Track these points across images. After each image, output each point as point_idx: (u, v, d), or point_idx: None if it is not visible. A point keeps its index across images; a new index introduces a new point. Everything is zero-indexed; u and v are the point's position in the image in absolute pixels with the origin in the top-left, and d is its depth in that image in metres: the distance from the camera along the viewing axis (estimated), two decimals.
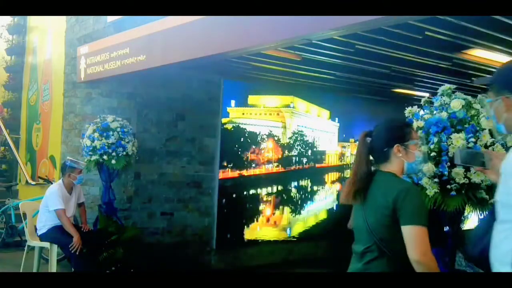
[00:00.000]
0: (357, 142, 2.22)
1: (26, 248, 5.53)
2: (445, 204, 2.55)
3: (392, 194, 2.04)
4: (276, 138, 7.79)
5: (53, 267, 5.15)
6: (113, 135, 5.42)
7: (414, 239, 1.97)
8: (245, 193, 7.55)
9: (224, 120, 7.23)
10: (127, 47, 5.29)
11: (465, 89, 5.94)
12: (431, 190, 2.58)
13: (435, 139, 2.60)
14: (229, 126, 7.32)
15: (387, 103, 8.50)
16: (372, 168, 2.22)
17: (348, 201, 2.20)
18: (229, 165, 7.26)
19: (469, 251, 2.05)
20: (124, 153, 5.47)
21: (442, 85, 2.84)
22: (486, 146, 2.56)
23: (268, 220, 7.74)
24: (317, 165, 8.29)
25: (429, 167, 2.57)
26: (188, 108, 6.83)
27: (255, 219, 7.55)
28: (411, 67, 5.78)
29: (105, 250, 5.23)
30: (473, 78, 6.28)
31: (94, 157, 5.44)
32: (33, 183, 7.65)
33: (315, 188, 8.56)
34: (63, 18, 7.01)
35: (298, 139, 8.13)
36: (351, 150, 9.00)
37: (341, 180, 9.00)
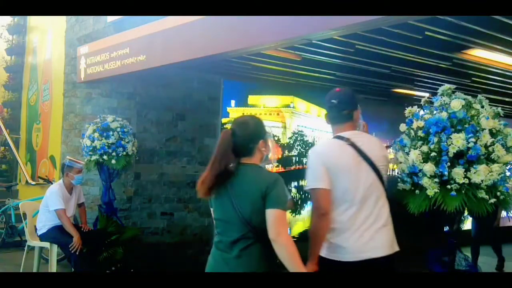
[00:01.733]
0: (219, 140, 2.38)
1: (26, 248, 5.53)
2: (445, 204, 2.55)
3: (264, 183, 2.24)
4: (276, 138, 7.79)
5: (53, 267, 5.15)
6: (113, 135, 5.42)
7: (274, 221, 2.19)
8: None
9: (224, 120, 7.23)
10: (127, 47, 5.29)
11: (465, 89, 5.95)
12: (431, 190, 2.58)
13: (435, 139, 2.60)
14: (229, 126, 7.31)
15: (387, 103, 8.50)
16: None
17: (206, 196, 2.32)
18: None
19: None
20: (124, 153, 5.47)
21: (442, 85, 2.84)
22: (486, 146, 2.57)
23: None
24: None
25: (429, 167, 2.57)
26: (188, 108, 6.83)
27: None
28: (411, 67, 5.78)
29: (105, 250, 5.23)
30: (473, 78, 6.28)
31: (94, 157, 5.45)
32: (33, 183, 7.66)
33: None
34: (63, 18, 7.01)
35: (298, 139, 8.13)
36: None
37: None
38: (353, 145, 2.54)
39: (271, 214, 2.20)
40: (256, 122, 2.45)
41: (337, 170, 2.49)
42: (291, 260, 2.16)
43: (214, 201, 2.39)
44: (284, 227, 2.23)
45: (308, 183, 2.54)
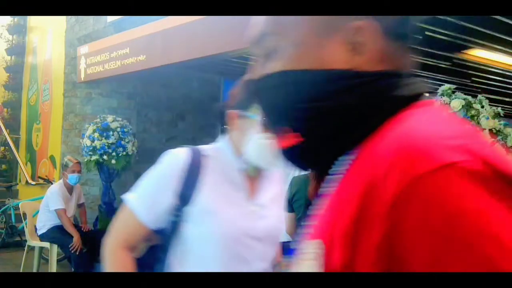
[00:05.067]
0: None
1: (26, 248, 5.53)
2: None
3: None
4: None
5: (53, 267, 5.15)
6: (113, 135, 5.42)
7: None
8: None
9: None
10: (127, 47, 5.29)
11: (465, 89, 5.94)
12: None
13: None
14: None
15: None
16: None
17: None
18: None
19: None
20: (124, 153, 5.48)
21: (442, 85, 2.84)
22: None
23: None
24: None
25: None
26: (188, 108, 6.83)
27: None
28: (411, 67, 5.78)
29: None
30: (473, 78, 6.28)
31: (94, 157, 5.45)
32: (33, 183, 7.65)
33: None
34: (63, 18, 7.01)
35: None
36: None
37: None
38: None
39: None
40: None
41: None
42: None
43: (301, 208, 2.41)
44: None
45: None
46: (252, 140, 1.34)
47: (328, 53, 0.61)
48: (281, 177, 1.60)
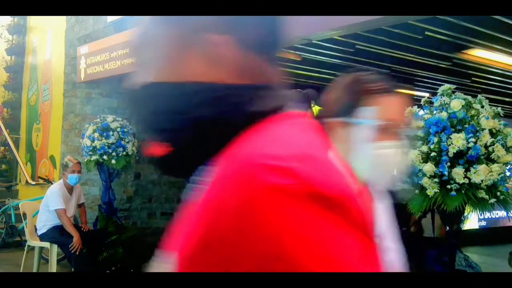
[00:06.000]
0: None
1: (26, 248, 5.53)
2: (445, 204, 2.55)
3: None
4: None
5: (53, 267, 5.15)
6: (113, 135, 5.42)
7: None
8: None
9: None
10: (127, 47, 5.29)
11: (465, 89, 5.95)
12: (431, 190, 2.59)
13: (435, 139, 2.61)
14: None
15: None
16: None
17: None
18: None
19: None
20: (124, 153, 5.48)
21: (442, 85, 2.85)
22: (486, 146, 2.57)
23: None
24: None
25: (429, 167, 2.58)
26: None
27: None
28: (411, 67, 5.78)
29: (105, 250, 5.23)
30: (473, 78, 6.28)
31: (94, 157, 5.45)
32: (33, 183, 7.66)
33: None
34: (63, 18, 7.02)
35: None
36: None
37: None
38: None
39: None
40: None
41: None
42: None
43: None
44: None
45: None
46: (364, 151, 1.11)
47: (189, 66, 0.62)
48: (382, 193, 1.20)
